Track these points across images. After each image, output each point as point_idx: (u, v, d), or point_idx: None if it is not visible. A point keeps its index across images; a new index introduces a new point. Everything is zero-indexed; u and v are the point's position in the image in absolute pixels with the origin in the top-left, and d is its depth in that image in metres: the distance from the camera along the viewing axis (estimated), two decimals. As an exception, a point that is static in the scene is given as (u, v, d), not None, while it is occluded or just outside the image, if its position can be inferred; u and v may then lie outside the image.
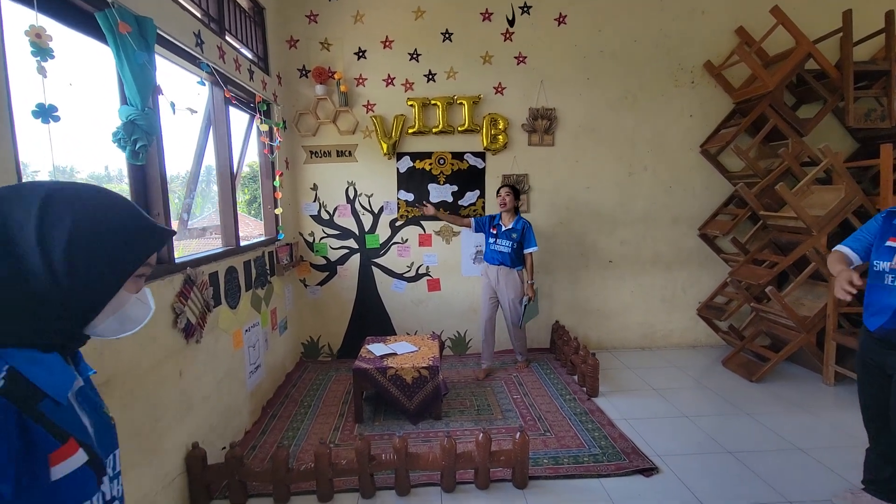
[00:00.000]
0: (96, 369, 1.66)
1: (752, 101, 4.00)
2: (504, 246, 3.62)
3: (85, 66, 1.99)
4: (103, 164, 2.77)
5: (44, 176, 1.74)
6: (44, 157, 1.52)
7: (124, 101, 1.91)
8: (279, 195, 3.63)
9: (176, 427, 2.17)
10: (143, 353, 1.93)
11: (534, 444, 2.70)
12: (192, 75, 2.56)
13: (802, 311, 3.66)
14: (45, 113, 1.42)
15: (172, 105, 2.08)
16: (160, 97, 2.07)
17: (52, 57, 1.45)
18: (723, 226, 4.18)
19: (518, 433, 2.38)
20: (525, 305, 3.70)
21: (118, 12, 1.75)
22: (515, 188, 3.68)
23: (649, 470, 2.53)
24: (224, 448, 2.68)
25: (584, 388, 3.53)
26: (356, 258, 4.27)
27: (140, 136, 1.83)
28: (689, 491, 2.37)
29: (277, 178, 3.58)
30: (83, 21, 1.79)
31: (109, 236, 0.69)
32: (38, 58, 1.42)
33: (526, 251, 3.67)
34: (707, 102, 4.23)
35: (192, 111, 2.28)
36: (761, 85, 3.75)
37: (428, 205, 3.90)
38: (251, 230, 5.77)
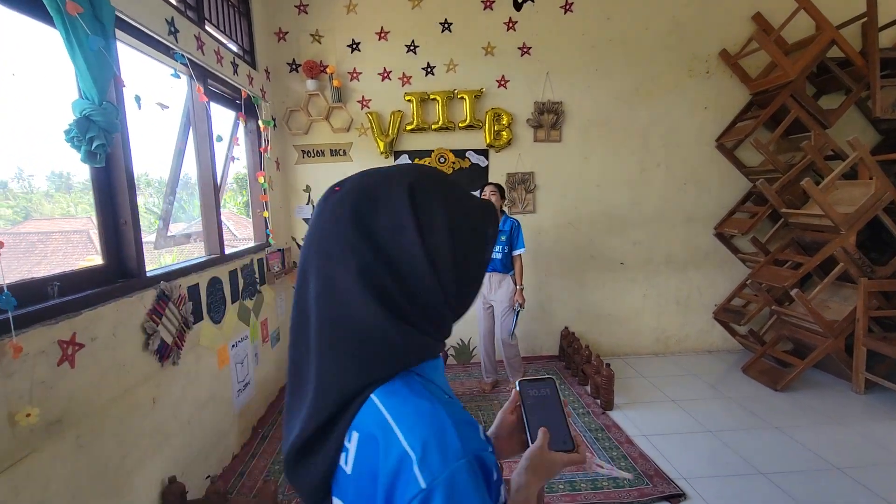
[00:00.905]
0: (42, 406, 1.43)
1: (770, 91, 3.76)
2: (495, 251, 3.35)
3: (34, 54, 1.75)
4: (62, 168, 2.52)
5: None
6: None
7: (80, 94, 1.67)
8: (266, 198, 3.38)
9: (149, 461, 1.93)
10: (104, 383, 1.69)
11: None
12: (166, 68, 2.32)
13: (829, 314, 3.43)
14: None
15: (137, 99, 1.83)
16: (124, 90, 1.82)
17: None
18: (741, 224, 3.94)
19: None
20: (517, 314, 3.39)
21: (67, -10, 1.51)
22: (501, 187, 3.40)
23: (677, 497, 2.29)
24: (208, 476, 2.44)
25: (598, 401, 3.30)
26: (352, 263, 4.02)
27: (96, 133, 1.58)
28: (722, 522, 2.14)
29: (262, 178, 3.33)
30: (26, 1, 1.54)
31: (473, 221, 0.63)
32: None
33: (515, 253, 3.37)
34: (723, 94, 3.99)
35: (164, 106, 2.04)
36: (782, 74, 3.51)
37: None
38: (249, 232, 5.52)
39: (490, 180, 3.97)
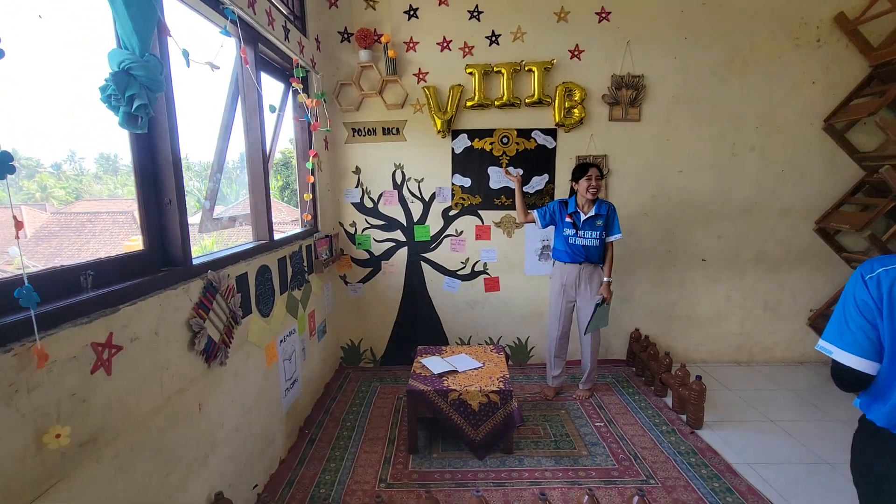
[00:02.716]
0: (74, 423, 1.17)
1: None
2: (590, 238, 2.95)
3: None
4: (110, 150, 2.31)
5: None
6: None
7: (118, 42, 1.38)
8: (311, 179, 3.09)
9: (193, 476, 1.68)
10: (145, 391, 1.43)
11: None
12: (213, 26, 2.03)
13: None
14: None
15: (185, 54, 1.54)
16: (168, 41, 1.53)
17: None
18: (850, 218, 3.40)
19: (636, 497, 1.78)
20: (597, 307, 3.03)
21: (105, -88, 1.21)
22: (601, 169, 3.00)
23: (808, 549, 1.89)
24: (255, 486, 2.20)
25: (684, 417, 2.89)
26: (403, 252, 3.72)
27: (138, 91, 1.29)
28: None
29: (312, 158, 3.03)
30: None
31: None
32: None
33: (609, 239, 3.01)
34: (834, 66, 3.42)
35: (215, 67, 1.74)
36: (920, 40, 2.93)
37: (513, 173, 3.18)
38: (284, 216, 5.33)
39: (557, 163, 3.57)
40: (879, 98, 3.14)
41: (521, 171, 3.25)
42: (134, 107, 1.30)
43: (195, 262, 1.77)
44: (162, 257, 1.67)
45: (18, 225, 0.97)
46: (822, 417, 2.94)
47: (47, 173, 2.20)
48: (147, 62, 1.32)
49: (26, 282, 1.01)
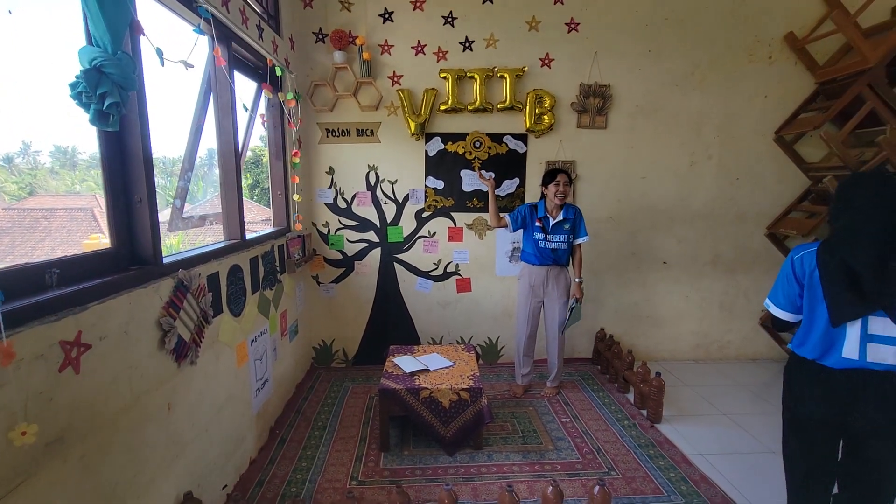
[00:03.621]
0: (40, 421, 1.16)
1: (839, 80, 3.43)
2: (558, 242, 3.06)
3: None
4: (67, 143, 2.24)
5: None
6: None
7: (89, 40, 1.37)
8: (296, 179, 3.09)
9: (162, 477, 1.67)
10: (113, 390, 1.42)
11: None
12: (186, 24, 2.01)
13: None
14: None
15: (159, 52, 1.54)
16: (141, 40, 1.53)
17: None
18: (797, 224, 3.64)
19: (597, 487, 1.88)
20: (572, 308, 3.17)
21: None
22: (569, 174, 3.12)
23: (753, 531, 2.03)
24: (224, 487, 2.19)
25: (644, 412, 3.04)
26: (376, 253, 3.75)
27: (109, 88, 1.29)
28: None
29: (295, 158, 3.03)
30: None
31: None
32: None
33: (577, 242, 3.14)
34: (785, 82, 3.66)
35: (188, 65, 1.74)
36: (859, 60, 3.18)
37: (486, 177, 3.26)
38: (253, 215, 5.25)
39: (528, 168, 3.68)
40: (823, 114, 3.38)
41: (493, 175, 3.34)
42: (105, 104, 1.30)
43: (165, 260, 1.76)
44: (130, 255, 1.65)
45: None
46: (770, 410, 3.14)
47: (-3, 166, 2.12)
48: (119, 60, 1.32)
49: (-6, 279, 1.01)
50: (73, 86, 1.28)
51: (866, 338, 1.47)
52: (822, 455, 1.64)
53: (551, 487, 1.85)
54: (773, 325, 1.83)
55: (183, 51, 1.80)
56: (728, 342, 4.01)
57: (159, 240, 1.71)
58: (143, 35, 1.51)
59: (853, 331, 1.48)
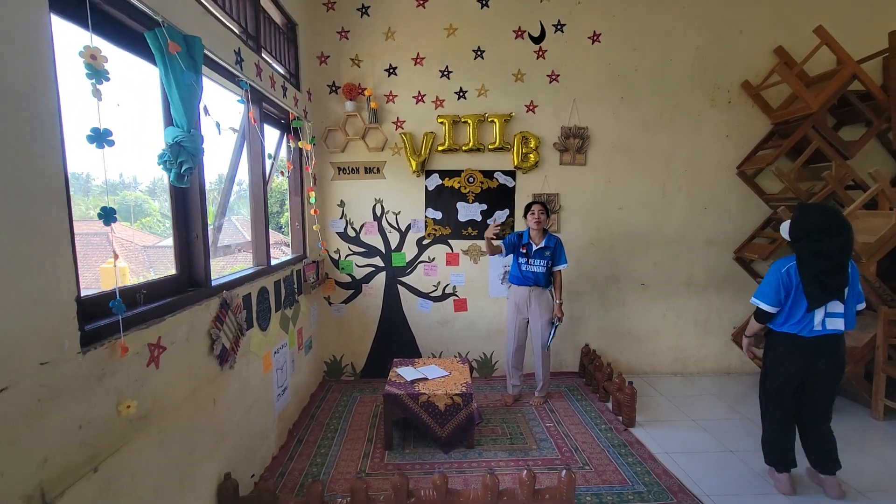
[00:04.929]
0: (136, 402, 1.59)
1: (790, 122, 3.89)
2: (538, 266, 3.50)
3: (128, 85, 1.95)
4: (81, 169, 2.68)
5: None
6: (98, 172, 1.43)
7: (169, 122, 1.86)
8: (316, 212, 3.60)
9: (208, 458, 2.08)
10: (179, 384, 1.85)
11: (575, 481, 2.56)
12: (228, 93, 2.52)
13: (848, 341, 3.49)
14: (100, 138, 1.36)
15: (218, 125, 2.02)
16: (203, 117, 2.01)
17: (108, 79, 1.39)
18: (760, 249, 4.04)
19: (564, 471, 2.25)
20: (555, 327, 3.57)
21: (168, 31, 1.71)
22: (546, 205, 3.56)
23: (701, 513, 2.38)
24: (252, 476, 2.58)
25: (620, 418, 3.39)
26: (382, 276, 4.19)
27: (185, 158, 1.77)
28: (746, 538, 2.22)
29: (311, 193, 3.52)
30: (132, 41, 1.75)
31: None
32: (94, 80, 1.36)
33: (556, 268, 3.55)
34: (744, 123, 4.13)
35: (235, 130, 2.23)
36: (803, 106, 3.64)
37: (495, 223, 3.41)
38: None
39: (517, 200, 4.14)
40: (776, 150, 3.83)
41: (500, 221, 3.91)
42: (183, 169, 1.78)
43: (214, 283, 2.21)
44: (189, 279, 2.11)
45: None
46: (734, 416, 3.48)
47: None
48: (193, 136, 1.80)
49: (118, 296, 1.46)
50: (160, 156, 1.76)
51: (827, 315, 2.36)
52: (792, 388, 2.50)
53: (526, 471, 2.22)
54: (756, 317, 2.58)
55: (223, 113, 2.30)
56: (704, 356, 4.37)
57: (209, 266, 2.16)
58: (208, 115, 1.99)
59: (819, 312, 2.36)
